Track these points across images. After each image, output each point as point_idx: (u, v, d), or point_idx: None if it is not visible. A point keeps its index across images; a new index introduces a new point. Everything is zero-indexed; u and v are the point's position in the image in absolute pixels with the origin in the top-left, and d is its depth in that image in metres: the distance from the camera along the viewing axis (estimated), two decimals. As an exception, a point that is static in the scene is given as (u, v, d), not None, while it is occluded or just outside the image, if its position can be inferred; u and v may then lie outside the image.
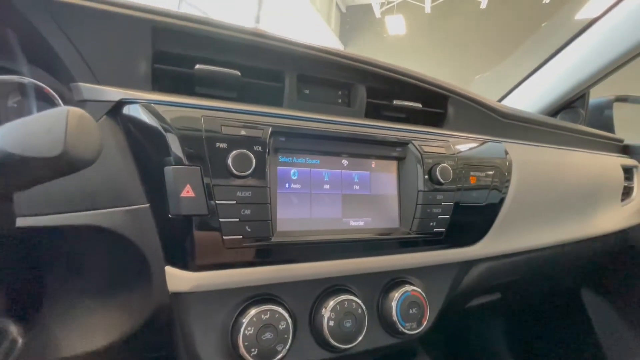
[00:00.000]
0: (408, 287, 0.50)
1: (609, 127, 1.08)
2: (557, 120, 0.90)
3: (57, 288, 0.37)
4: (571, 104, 1.06)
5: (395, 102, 0.56)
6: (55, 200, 0.35)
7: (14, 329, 0.27)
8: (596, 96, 1.11)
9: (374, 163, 0.50)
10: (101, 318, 0.39)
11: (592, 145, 0.86)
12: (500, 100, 1.11)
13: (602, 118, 1.11)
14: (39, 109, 0.43)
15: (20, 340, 0.27)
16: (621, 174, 0.86)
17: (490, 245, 0.59)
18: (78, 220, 0.36)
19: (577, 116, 1.04)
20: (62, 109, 0.21)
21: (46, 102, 0.43)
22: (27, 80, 0.42)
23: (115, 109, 0.38)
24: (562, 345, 1.03)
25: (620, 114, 1.12)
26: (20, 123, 0.21)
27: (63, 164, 0.21)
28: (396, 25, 9.27)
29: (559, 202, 0.70)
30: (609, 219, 0.83)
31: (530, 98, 1.06)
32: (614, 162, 0.86)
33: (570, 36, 1.00)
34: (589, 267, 0.98)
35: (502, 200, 0.59)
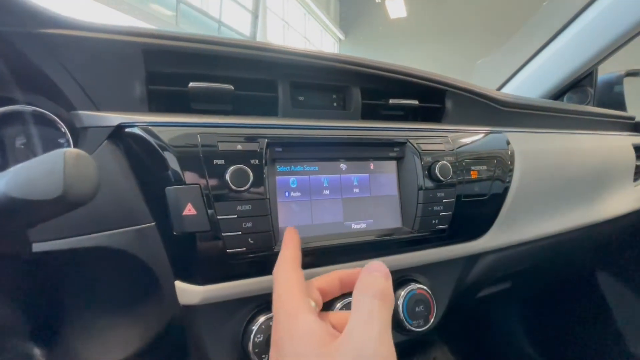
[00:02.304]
0: (414, 285, 0.51)
1: (620, 105, 1.05)
2: (561, 104, 0.88)
3: (74, 308, 0.39)
4: (578, 83, 1.03)
5: (391, 101, 0.56)
6: (67, 225, 0.37)
7: (37, 352, 0.29)
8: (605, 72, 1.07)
9: (372, 165, 0.50)
10: (118, 333, 0.41)
11: (601, 125, 0.84)
12: (502, 85, 1.09)
13: (613, 95, 1.07)
14: (43, 135, 0.45)
15: (43, 362, 0.29)
16: (633, 153, 0.83)
17: (495, 237, 0.58)
18: (89, 243, 0.37)
19: (585, 95, 1.01)
20: (59, 151, 0.22)
21: (50, 127, 0.45)
22: (30, 108, 0.44)
23: (115, 133, 0.39)
24: (579, 327, 1.02)
25: (632, 90, 1.08)
26: (21, 168, 0.22)
27: (63, 204, 0.22)
28: (397, 8, 9.07)
29: (566, 189, 0.69)
30: (621, 201, 0.81)
31: (534, 81, 1.03)
32: (625, 142, 0.84)
33: (574, 13, 0.97)
34: (603, 249, 0.96)
35: (505, 192, 0.59)
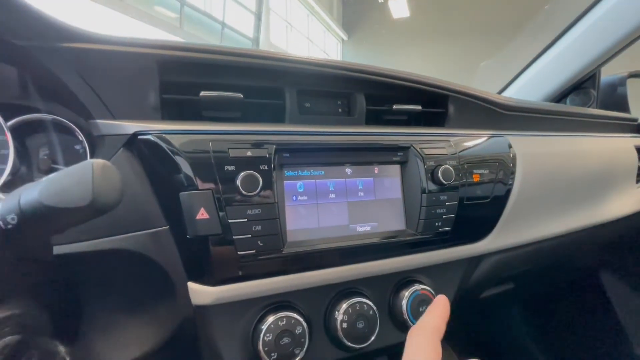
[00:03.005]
0: (417, 286, 0.52)
1: (623, 106, 1.05)
2: (563, 106, 0.88)
3: (94, 307, 0.41)
4: (581, 85, 1.03)
5: (395, 106, 0.57)
6: (86, 229, 0.38)
7: (61, 349, 0.31)
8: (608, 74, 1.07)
9: (376, 169, 0.52)
10: (134, 332, 0.43)
11: (604, 127, 0.85)
12: (505, 88, 1.09)
13: (616, 97, 1.08)
14: (61, 142, 0.47)
15: (68, 359, 0.30)
16: (635, 155, 0.84)
17: (498, 239, 0.60)
18: (107, 245, 0.39)
19: (587, 97, 1.02)
20: (88, 162, 0.24)
21: (68, 135, 0.47)
22: (49, 117, 0.46)
23: (130, 141, 0.41)
24: (582, 329, 1.03)
25: (635, 92, 1.09)
26: (53, 178, 0.24)
27: (92, 211, 0.24)
28: (400, 8, 9.06)
29: (568, 191, 0.70)
30: (624, 202, 0.82)
31: (537, 83, 1.04)
32: (627, 144, 0.84)
33: (576, 15, 0.97)
34: (606, 251, 0.97)
35: (507, 194, 0.60)
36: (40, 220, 0.23)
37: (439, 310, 0.34)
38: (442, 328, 0.32)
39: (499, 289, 0.77)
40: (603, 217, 0.76)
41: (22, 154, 0.45)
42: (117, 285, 0.43)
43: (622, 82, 1.09)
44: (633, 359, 0.92)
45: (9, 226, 0.23)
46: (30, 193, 0.23)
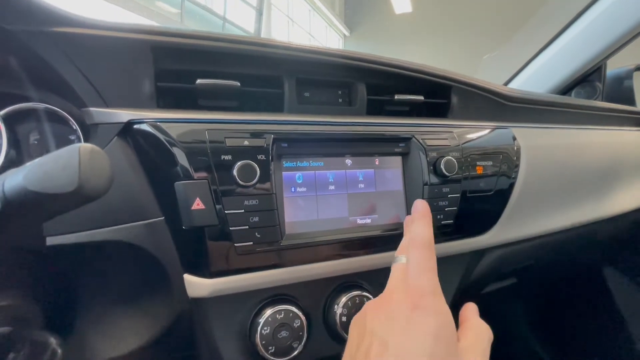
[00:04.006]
0: (418, 280, 0.51)
1: (630, 100, 1.03)
2: (569, 99, 0.87)
3: (88, 299, 0.40)
4: (587, 78, 1.01)
5: (396, 96, 0.56)
6: (79, 220, 0.38)
7: (52, 341, 0.30)
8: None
9: (377, 160, 0.51)
10: (130, 324, 0.42)
11: (610, 120, 0.83)
12: (509, 80, 1.08)
13: (622, 90, 1.06)
14: (55, 131, 0.46)
15: (59, 351, 0.30)
16: (642, 148, 0.82)
17: (501, 232, 0.58)
18: (100, 236, 0.38)
19: (593, 90, 1.00)
20: (74, 146, 0.23)
21: (61, 124, 0.46)
22: (42, 106, 0.45)
23: (125, 130, 0.40)
24: (585, 324, 1.02)
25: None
26: (38, 163, 0.23)
27: (79, 198, 0.23)
28: (402, 3, 8.98)
29: (573, 184, 0.68)
30: (631, 196, 0.80)
31: (541, 76, 1.02)
32: (634, 137, 0.83)
33: (582, 6, 0.95)
34: (611, 245, 0.95)
35: (511, 187, 0.59)
36: (25, 207, 0.22)
37: (428, 218, 0.36)
38: (433, 237, 0.34)
39: (502, 284, 0.76)
40: (608, 212, 0.74)
41: (15, 143, 0.44)
42: (112, 277, 0.42)
43: (628, 75, 1.07)
44: (636, 355, 0.91)
45: (-7, 212, 0.22)
46: (15, 178, 0.22)
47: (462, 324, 0.33)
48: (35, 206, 0.22)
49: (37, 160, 0.23)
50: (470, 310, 0.36)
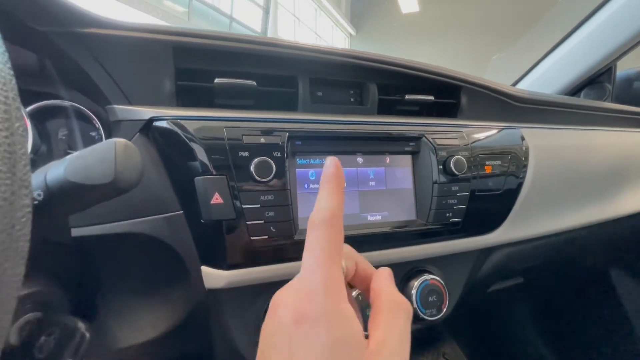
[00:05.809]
0: (427, 276, 0.52)
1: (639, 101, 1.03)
2: (577, 100, 0.87)
3: (110, 288, 0.42)
4: (596, 79, 1.01)
5: (407, 96, 0.57)
6: (102, 212, 0.39)
7: (82, 326, 0.32)
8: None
9: (388, 159, 0.52)
10: (149, 313, 0.44)
11: (619, 122, 0.83)
12: (518, 81, 1.08)
13: (632, 91, 1.05)
14: (80, 129, 0.48)
15: (87, 335, 0.31)
16: (651, 150, 0.82)
17: (508, 231, 0.59)
18: (122, 229, 0.40)
19: (603, 92, 1.00)
20: (111, 141, 0.25)
21: (85, 122, 0.48)
22: (68, 103, 0.47)
23: (146, 127, 0.42)
24: (592, 325, 1.02)
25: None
26: (78, 156, 0.24)
27: (114, 189, 0.24)
28: (409, 3, 8.94)
29: (581, 185, 0.69)
30: (639, 198, 0.80)
31: (551, 77, 1.02)
32: (643, 139, 0.83)
33: (592, 7, 0.95)
34: (619, 247, 0.95)
35: (519, 187, 0.59)
36: (65, 197, 0.24)
37: (333, 183, 0.26)
38: (341, 212, 0.26)
39: (508, 283, 0.77)
40: (617, 212, 0.75)
41: (40, 139, 0.46)
42: (133, 268, 0.44)
43: (638, 76, 1.06)
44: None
45: (35, 202, 0.24)
46: (56, 170, 0.24)
47: (372, 306, 0.25)
48: (74, 196, 0.24)
49: (76, 153, 0.25)
50: (381, 279, 0.27)
